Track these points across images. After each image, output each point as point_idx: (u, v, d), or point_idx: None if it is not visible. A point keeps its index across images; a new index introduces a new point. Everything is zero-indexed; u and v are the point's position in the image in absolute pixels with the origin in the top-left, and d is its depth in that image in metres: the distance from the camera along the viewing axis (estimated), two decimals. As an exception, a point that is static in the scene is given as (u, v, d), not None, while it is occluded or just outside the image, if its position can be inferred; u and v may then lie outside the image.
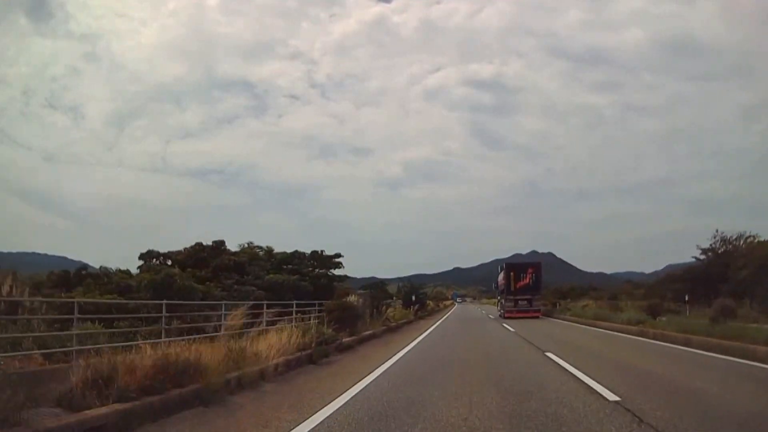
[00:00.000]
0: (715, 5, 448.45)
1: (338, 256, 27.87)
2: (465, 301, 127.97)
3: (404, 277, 38.46)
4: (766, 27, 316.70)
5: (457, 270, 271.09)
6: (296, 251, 26.97)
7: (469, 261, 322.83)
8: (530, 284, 33.80)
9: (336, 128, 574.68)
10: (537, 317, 31.50)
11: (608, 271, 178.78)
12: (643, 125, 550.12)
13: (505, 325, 23.88)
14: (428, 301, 49.49)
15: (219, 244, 23.14)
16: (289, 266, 26.05)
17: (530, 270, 34.48)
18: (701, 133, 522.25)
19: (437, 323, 26.93)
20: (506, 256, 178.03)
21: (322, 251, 27.54)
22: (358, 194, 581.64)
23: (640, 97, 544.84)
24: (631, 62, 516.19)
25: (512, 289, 33.83)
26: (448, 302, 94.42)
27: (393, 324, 21.41)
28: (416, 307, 34.13)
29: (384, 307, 20.99)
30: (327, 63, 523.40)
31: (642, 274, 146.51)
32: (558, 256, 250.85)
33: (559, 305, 40.27)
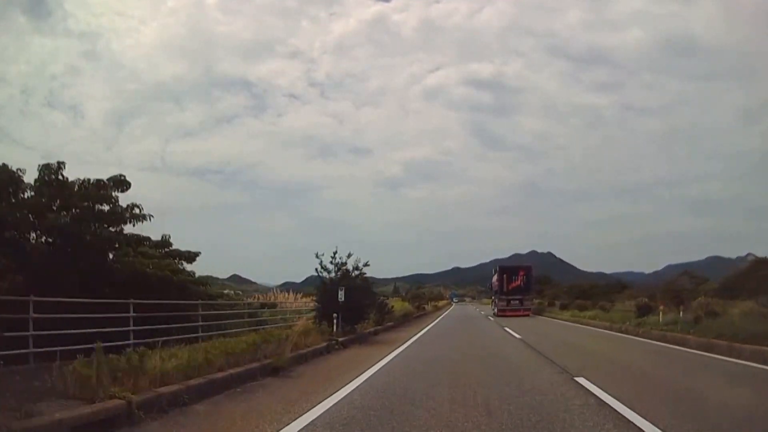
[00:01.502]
0: (715, 5, 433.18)
1: (133, 207, 11.46)
2: (464, 301, 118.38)
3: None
4: (766, 28, 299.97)
5: (456, 270, 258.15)
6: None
7: (468, 261, 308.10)
8: (522, 286, 35.34)
9: (335, 128, 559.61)
10: (527, 315, 32.92)
11: (607, 270, 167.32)
12: (643, 125, 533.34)
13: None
14: (392, 305, 31.62)
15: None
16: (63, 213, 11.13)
17: (522, 272, 36.10)
18: (701, 133, 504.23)
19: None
20: (506, 256, 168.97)
21: (108, 181, 11.06)
22: (357, 194, 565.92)
23: (640, 97, 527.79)
24: (632, 62, 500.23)
25: (505, 289, 35.37)
26: (442, 302, 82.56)
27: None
28: (335, 321, 14.98)
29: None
30: (326, 62, 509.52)
31: (642, 274, 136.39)
32: (557, 255, 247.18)
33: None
